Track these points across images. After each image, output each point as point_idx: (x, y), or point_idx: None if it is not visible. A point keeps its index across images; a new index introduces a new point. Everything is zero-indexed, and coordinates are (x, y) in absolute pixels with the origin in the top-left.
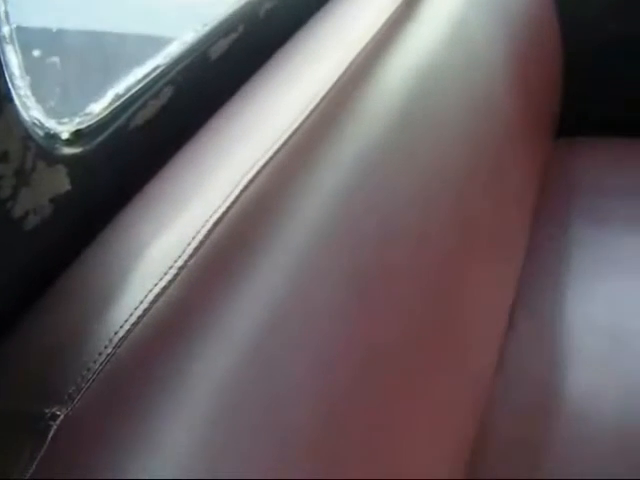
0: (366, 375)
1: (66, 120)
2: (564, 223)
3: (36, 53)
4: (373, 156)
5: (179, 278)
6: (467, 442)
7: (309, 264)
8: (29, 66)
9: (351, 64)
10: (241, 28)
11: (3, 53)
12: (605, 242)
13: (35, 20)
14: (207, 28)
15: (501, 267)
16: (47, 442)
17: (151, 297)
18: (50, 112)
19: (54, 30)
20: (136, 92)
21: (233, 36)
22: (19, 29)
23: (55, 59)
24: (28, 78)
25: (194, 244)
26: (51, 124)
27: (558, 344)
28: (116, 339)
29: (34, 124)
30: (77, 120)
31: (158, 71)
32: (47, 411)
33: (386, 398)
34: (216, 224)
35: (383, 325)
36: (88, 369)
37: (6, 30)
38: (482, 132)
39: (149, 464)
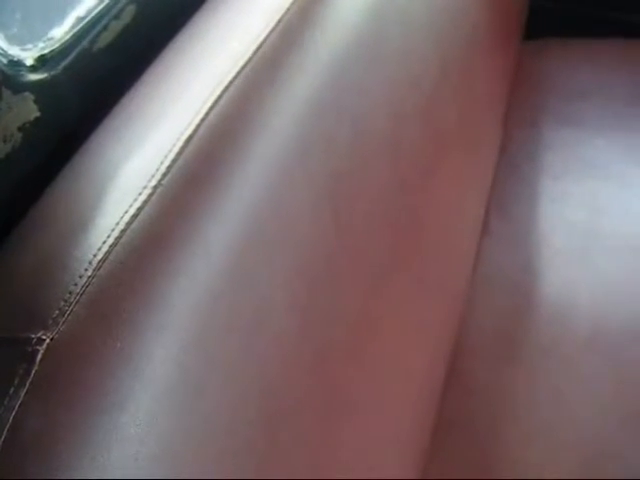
0: (344, 284)
1: (29, 46)
2: (536, 125)
3: None
4: (343, 63)
5: (154, 197)
6: (448, 340)
7: (282, 174)
8: None
9: None
10: None
11: None
12: (577, 143)
13: None
14: None
15: (474, 171)
16: (36, 366)
17: (127, 218)
18: (12, 39)
19: None
20: (98, 13)
21: None
22: None
23: None
24: None
25: (167, 162)
26: (14, 51)
27: (533, 245)
28: (95, 261)
29: None
30: (40, 45)
31: None
32: (33, 336)
33: (366, 302)
34: (188, 141)
35: (359, 233)
36: (70, 292)
37: None
38: (450, 35)
39: (132, 385)
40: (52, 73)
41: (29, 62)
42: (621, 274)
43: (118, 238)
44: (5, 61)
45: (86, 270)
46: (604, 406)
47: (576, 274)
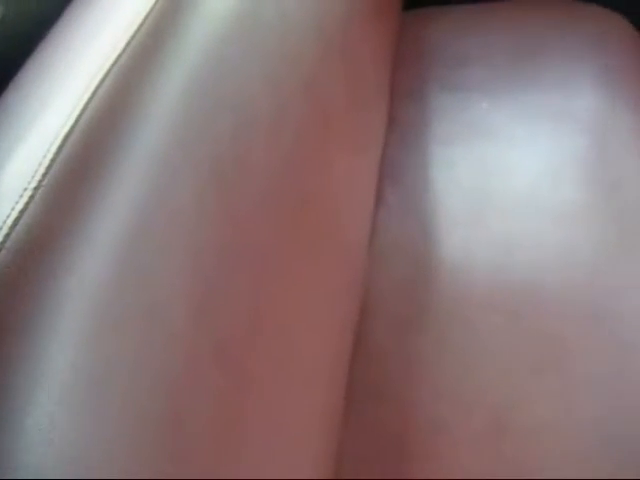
0: (238, 271)
1: None
2: (422, 94)
3: None
4: (220, 46)
5: (36, 199)
6: (352, 313)
7: (166, 164)
8: None
9: None
10: None
11: None
12: (464, 108)
13: None
14: None
15: (363, 144)
16: None
17: (10, 222)
18: None
19: None
20: None
21: None
22: None
23: None
24: None
25: (46, 162)
26: None
27: (428, 212)
28: None
29: None
30: None
31: None
32: None
33: (263, 286)
34: (66, 137)
35: (248, 218)
36: None
37: None
38: (328, 9)
39: (32, 389)
40: None
41: None
42: (514, 232)
43: (2, 243)
44: None
45: None
46: (507, 361)
47: (472, 236)
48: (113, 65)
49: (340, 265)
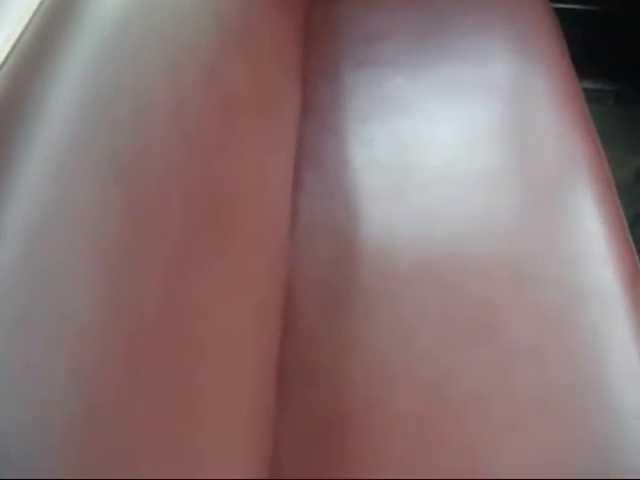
0: (147, 264)
1: None
2: (335, 73)
3: None
4: (117, 35)
5: None
6: (277, 298)
7: (67, 159)
8: None
9: None
10: None
11: None
12: (378, 85)
13: None
14: None
15: (276, 128)
16: None
17: None
18: None
19: None
20: None
21: None
22: None
23: None
24: None
25: None
26: None
27: (349, 191)
28: None
29: None
30: None
31: None
32: None
33: (175, 279)
34: None
35: (154, 210)
36: None
37: None
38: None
39: None
40: None
41: None
42: (435, 204)
43: None
44: None
45: None
46: (438, 333)
47: (394, 212)
48: (7, 58)
49: (259, 250)
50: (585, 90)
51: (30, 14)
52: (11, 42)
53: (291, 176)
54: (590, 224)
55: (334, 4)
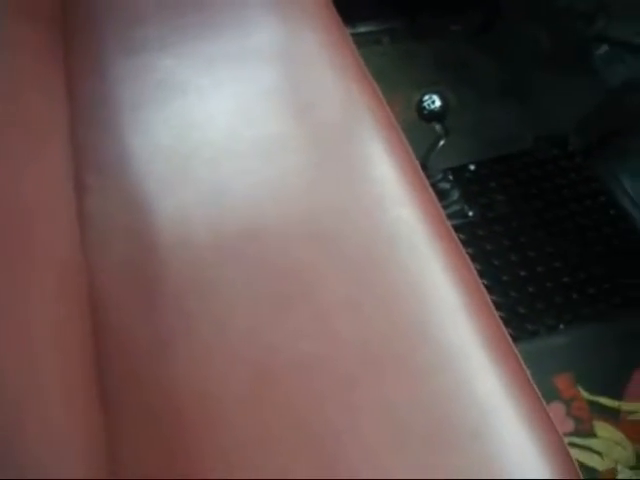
0: None
1: None
2: (103, 64)
3: None
4: None
5: None
6: (81, 308)
7: None
8: None
9: None
10: None
11: None
12: (149, 70)
13: None
14: None
15: (43, 140)
16: None
17: None
18: None
19: None
20: None
21: None
22: None
23: None
24: None
25: None
26: None
27: (136, 184)
28: None
29: None
30: None
31: None
32: None
33: None
34: None
35: None
36: None
37: None
38: None
39: None
40: None
41: None
42: (225, 179)
43: None
44: None
45: None
46: (254, 307)
47: (184, 197)
48: None
49: (49, 267)
50: (360, 34)
51: None
52: None
53: (71, 182)
54: (382, 169)
55: None
